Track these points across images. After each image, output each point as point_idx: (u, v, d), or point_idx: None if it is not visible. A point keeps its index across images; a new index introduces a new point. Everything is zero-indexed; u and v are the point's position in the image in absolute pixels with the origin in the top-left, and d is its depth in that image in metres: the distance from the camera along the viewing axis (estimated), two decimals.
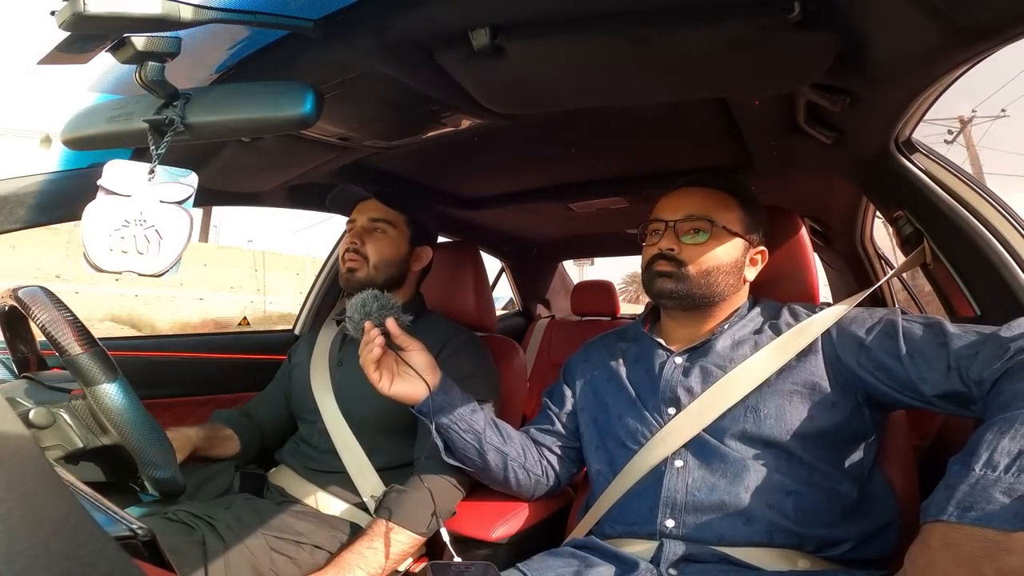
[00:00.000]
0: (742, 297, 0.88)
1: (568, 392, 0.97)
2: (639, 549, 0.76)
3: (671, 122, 1.01)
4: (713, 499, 0.73)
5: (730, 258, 0.84)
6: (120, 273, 0.56)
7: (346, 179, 1.17)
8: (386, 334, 0.83)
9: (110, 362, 0.67)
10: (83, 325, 0.67)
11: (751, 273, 0.87)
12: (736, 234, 0.84)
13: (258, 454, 1.15)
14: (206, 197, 1.04)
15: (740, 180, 0.91)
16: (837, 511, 0.72)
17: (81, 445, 0.70)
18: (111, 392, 0.65)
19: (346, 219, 1.16)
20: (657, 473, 0.78)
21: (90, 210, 0.56)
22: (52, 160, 0.84)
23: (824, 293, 1.00)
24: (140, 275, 0.56)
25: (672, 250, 0.84)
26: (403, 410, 0.87)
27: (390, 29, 0.62)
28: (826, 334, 0.78)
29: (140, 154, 0.67)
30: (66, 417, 0.69)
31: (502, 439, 0.90)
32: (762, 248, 0.88)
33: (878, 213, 1.29)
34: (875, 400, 0.75)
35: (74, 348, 0.64)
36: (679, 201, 0.87)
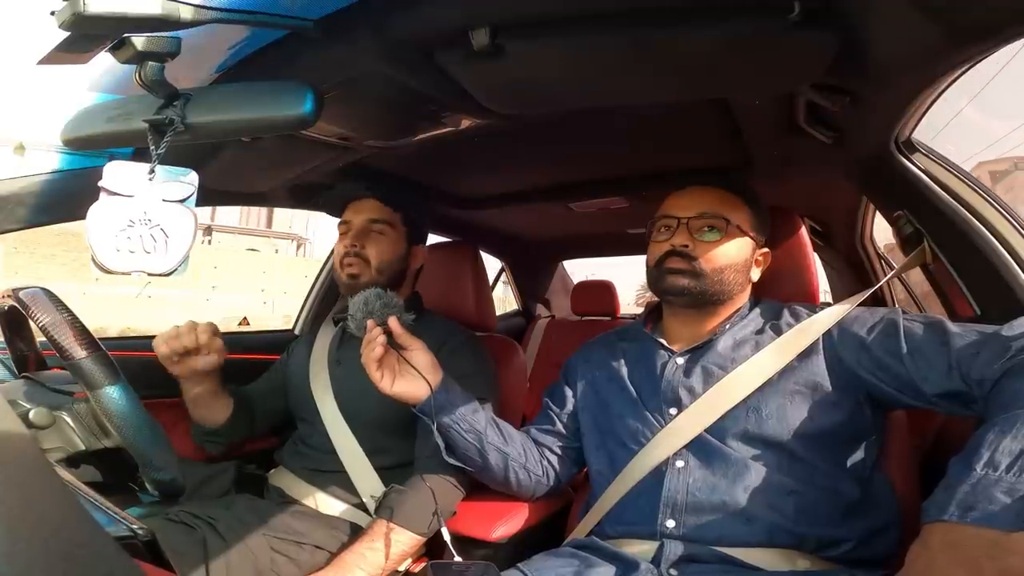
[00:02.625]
0: (744, 297, 0.89)
1: (569, 392, 0.97)
2: (640, 549, 0.76)
3: (671, 122, 1.01)
4: (714, 499, 0.73)
5: (741, 257, 0.85)
6: (129, 273, 0.55)
7: (346, 179, 1.17)
8: (388, 333, 0.83)
9: (112, 365, 0.66)
10: (84, 327, 0.67)
11: (755, 274, 0.88)
12: (746, 233, 0.85)
13: (245, 442, 1.13)
14: (206, 197, 1.04)
15: (746, 181, 0.91)
16: (838, 511, 0.72)
17: (83, 448, 0.70)
18: (114, 395, 0.65)
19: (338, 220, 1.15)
20: (658, 473, 0.78)
21: (94, 211, 0.56)
22: (27, 168, 0.82)
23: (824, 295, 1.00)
24: (150, 275, 0.56)
25: (686, 246, 0.84)
26: (402, 409, 0.87)
27: (390, 29, 0.62)
28: (827, 334, 0.78)
29: (140, 154, 0.67)
30: (68, 420, 0.69)
31: (503, 439, 0.90)
32: (766, 250, 0.90)
33: (878, 213, 1.28)
34: (876, 400, 0.75)
35: (77, 352, 0.64)
36: (691, 199, 0.87)
